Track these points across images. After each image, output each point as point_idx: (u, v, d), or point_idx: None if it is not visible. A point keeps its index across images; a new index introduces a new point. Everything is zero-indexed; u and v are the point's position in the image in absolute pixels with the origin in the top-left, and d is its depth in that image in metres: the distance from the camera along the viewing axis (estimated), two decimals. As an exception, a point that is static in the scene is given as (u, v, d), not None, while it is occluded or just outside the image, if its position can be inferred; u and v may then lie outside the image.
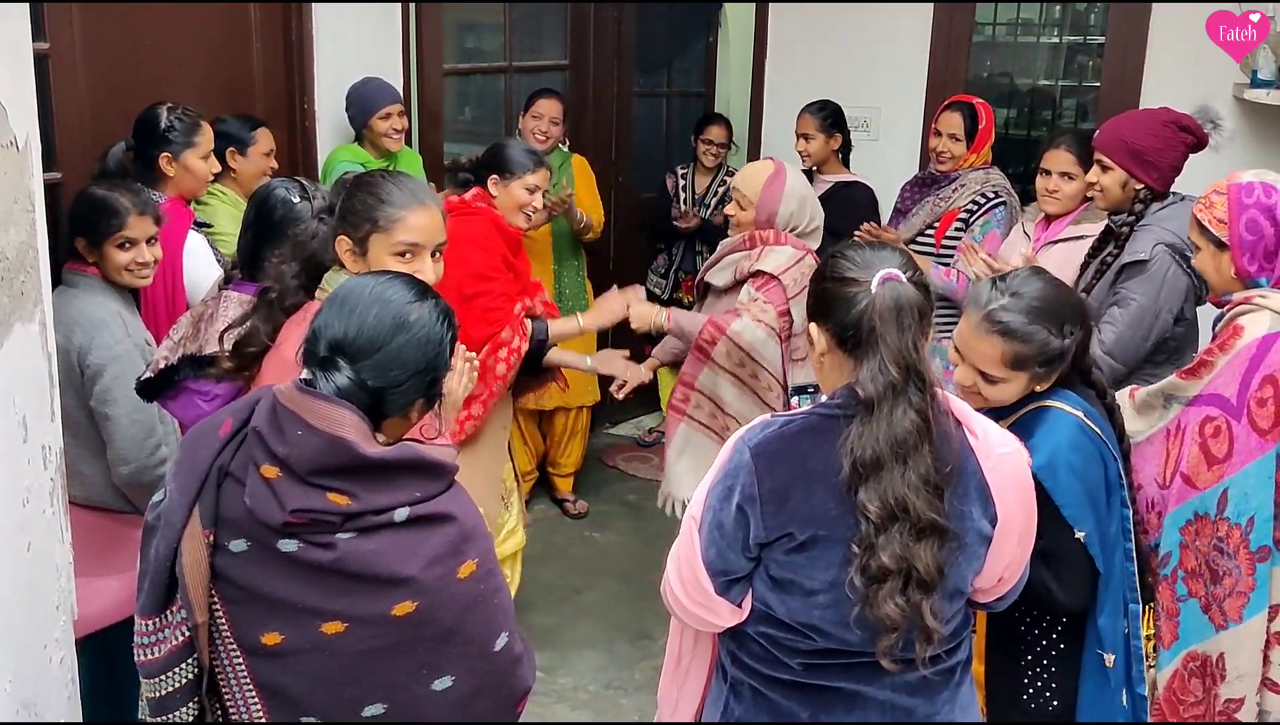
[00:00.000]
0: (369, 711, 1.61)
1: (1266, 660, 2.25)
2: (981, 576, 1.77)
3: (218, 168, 3.21)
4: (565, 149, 4.77)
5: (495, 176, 3.24)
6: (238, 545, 1.59)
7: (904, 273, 1.72)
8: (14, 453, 1.77)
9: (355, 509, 1.54)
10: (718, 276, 3.34)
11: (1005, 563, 1.78)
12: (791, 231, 3.28)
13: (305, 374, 1.63)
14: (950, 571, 1.69)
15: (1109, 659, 2.12)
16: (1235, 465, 2.19)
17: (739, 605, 1.76)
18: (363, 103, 3.93)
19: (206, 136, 3.12)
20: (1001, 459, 1.75)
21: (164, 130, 3.02)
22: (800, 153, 4.41)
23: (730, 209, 3.35)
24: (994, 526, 1.74)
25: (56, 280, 2.49)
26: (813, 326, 1.80)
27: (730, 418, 3.23)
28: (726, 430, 3.23)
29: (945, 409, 1.73)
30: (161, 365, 2.37)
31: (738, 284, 3.27)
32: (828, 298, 1.77)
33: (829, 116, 4.36)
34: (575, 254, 4.69)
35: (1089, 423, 2.10)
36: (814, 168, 4.40)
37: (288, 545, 1.56)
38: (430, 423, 1.78)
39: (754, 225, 3.27)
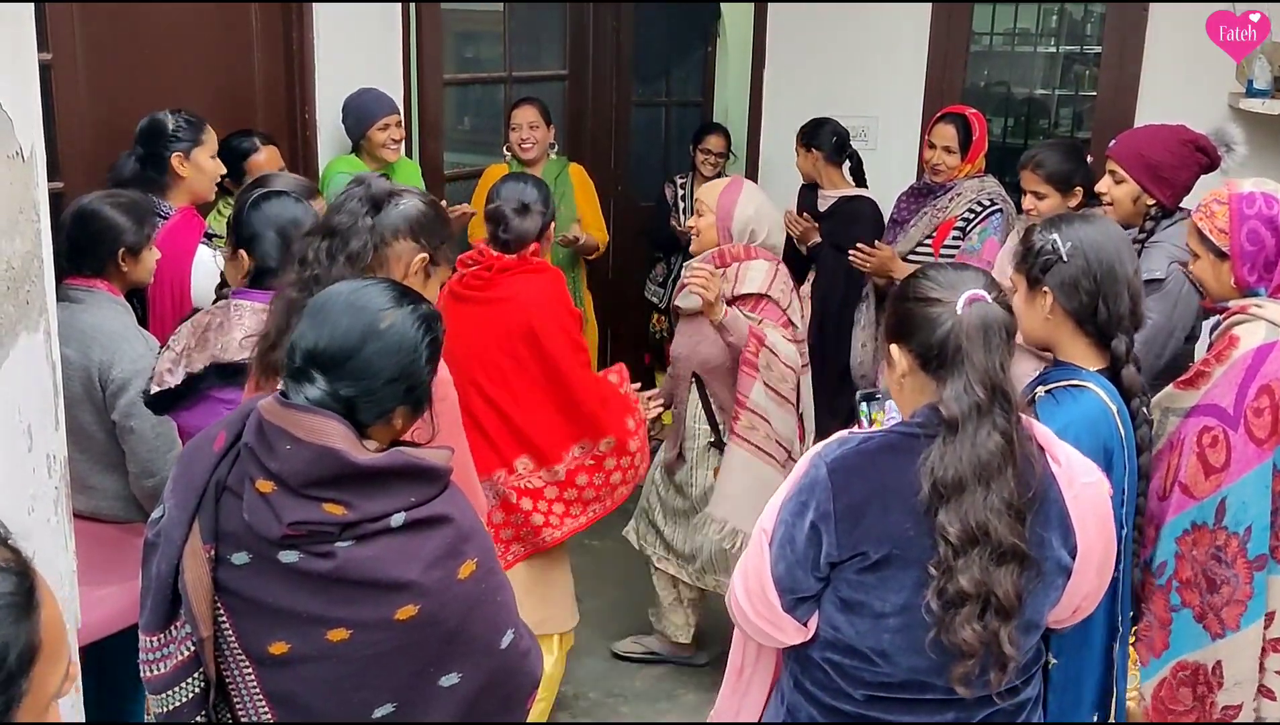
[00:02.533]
0: (379, 713, 1.62)
1: (1261, 668, 2.26)
2: (1059, 608, 1.75)
3: (224, 168, 3.22)
4: (556, 156, 4.70)
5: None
6: (240, 558, 1.60)
7: (989, 293, 1.68)
8: (19, 461, 1.78)
9: (351, 518, 1.55)
10: (690, 300, 3.30)
11: (1084, 593, 1.75)
12: (752, 242, 3.31)
13: (282, 386, 1.62)
14: (1028, 600, 1.65)
15: (1052, 660, 2.07)
16: (1233, 474, 2.20)
17: (805, 624, 1.73)
18: (360, 114, 3.92)
19: (211, 136, 3.14)
20: (1084, 488, 1.72)
21: (173, 131, 3.03)
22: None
23: (693, 220, 3.40)
24: (1074, 558, 1.71)
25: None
26: (894, 348, 1.75)
27: (780, 445, 3.26)
28: (780, 460, 3.25)
29: (1029, 433, 1.70)
30: (168, 379, 2.33)
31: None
32: (910, 319, 1.72)
33: (804, 134, 4.41)
34: (574, 265, 4.69)
35: (1117, 419, 2.07)
36: (815, 183, 4.45)
37: (288, 557, 1.56)
38: (424, 427, 1.76)
39: (715, 232, 3.30)
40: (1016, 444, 1.64)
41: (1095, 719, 2.13)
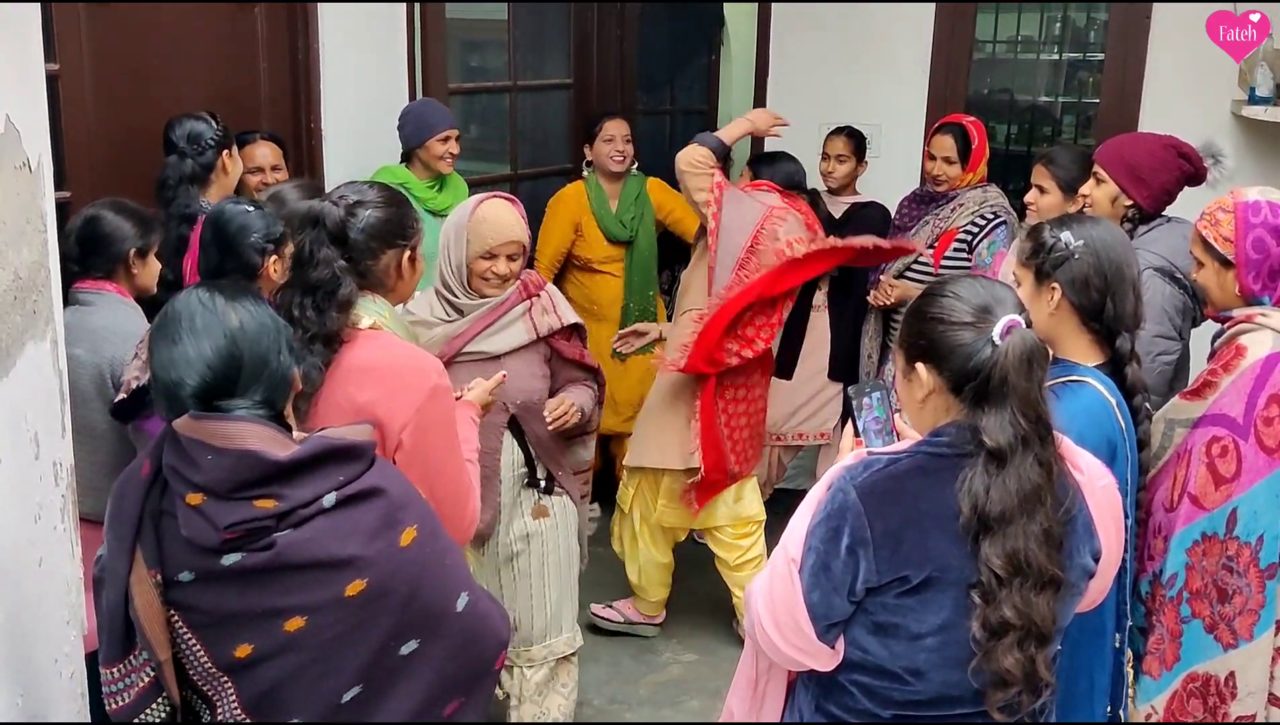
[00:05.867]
0: (348, 697, 1.64)
1: (1272, 676, 2.26)
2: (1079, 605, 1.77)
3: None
4: (635, 172, 4.64)
5: None
6: (186, 576, 1.61)
7: (1020, 316, 1.64)
8: (25, 469, 1.78)
9: (284, 508, 1.57)
10: (502, 341, 2.81)
11: (1099, 588, 1.77)
12: None
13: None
14: (1058, 615, 1.66)
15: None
16: (1244, 484, 2.20)
17: (834, 648, 1.71)
18: (420, 123, 3.88)
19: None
20: (1102, 492, 1.73)
21: (216, 130, 3.10)
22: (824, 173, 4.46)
23: (501, 266, 2.74)
24: (1097, 561, 1.72)
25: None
26: (921, 368, 1.69)
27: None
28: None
29: (1059, 451, 1.68)
30: (134, 385, 2.37)
31: (540, 340, 2.86)
32: (941, 342, 1.66)
33: (857, 142, 4.44)
34: (649, 265, 4.75)
35: (1117, 412, 2.07)
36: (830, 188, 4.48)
37: (231, 559, 1.58)
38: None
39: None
40: (1055, 470, 1.63)
41: (1110, 710, 2.13)
